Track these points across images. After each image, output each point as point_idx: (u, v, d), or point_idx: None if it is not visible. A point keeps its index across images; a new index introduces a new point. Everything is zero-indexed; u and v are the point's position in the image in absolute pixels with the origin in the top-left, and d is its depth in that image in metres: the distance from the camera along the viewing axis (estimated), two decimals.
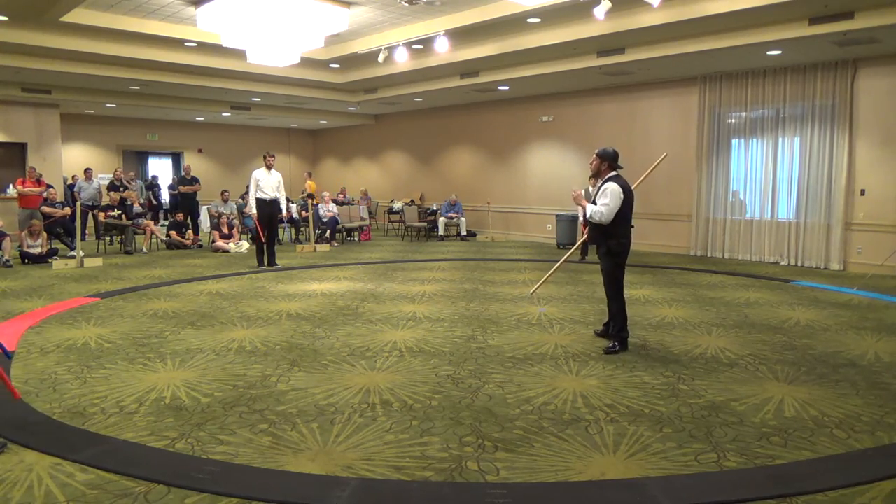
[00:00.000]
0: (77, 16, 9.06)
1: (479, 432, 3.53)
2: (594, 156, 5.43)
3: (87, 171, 13.76)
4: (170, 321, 6.23)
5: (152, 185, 17.55)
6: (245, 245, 12.29)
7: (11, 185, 12.98)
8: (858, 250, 9.83)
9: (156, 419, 3.70)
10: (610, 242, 5.28)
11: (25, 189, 11.17)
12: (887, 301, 7.47)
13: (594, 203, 5.28)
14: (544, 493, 2.90)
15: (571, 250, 6.81)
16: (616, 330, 5.33)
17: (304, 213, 13.95)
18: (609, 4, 7.60)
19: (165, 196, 17.81)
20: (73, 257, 9.97)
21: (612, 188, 5.18)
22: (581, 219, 11.09)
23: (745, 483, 2.99)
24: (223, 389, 4.22)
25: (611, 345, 5.30)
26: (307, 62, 12.00)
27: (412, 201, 16.68)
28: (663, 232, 12.26)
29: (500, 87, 13.01)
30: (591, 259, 10.97)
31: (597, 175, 5.47)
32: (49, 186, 11.65)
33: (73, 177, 15.48)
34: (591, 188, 10.83)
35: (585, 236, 5.74)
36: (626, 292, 6.09)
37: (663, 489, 2.92)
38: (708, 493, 2.92)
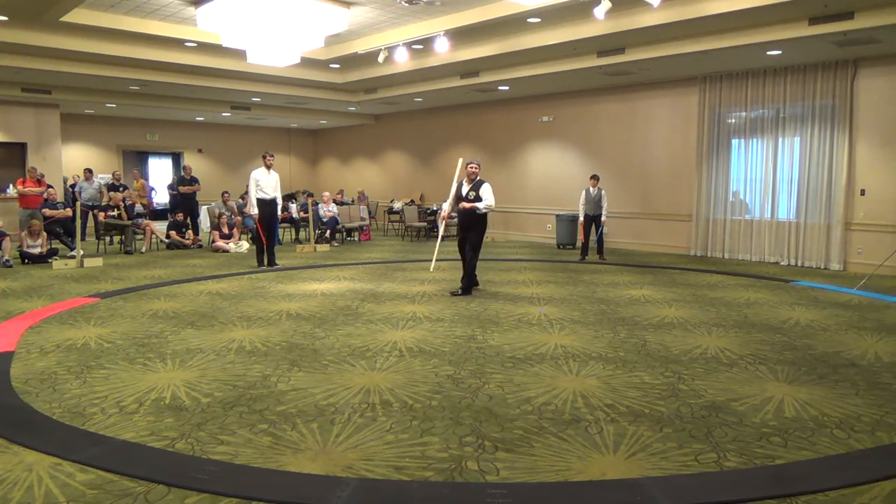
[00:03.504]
0: (77, 16, 9.06)
1: (479, 432, 3.53)
2: (476, 164, 7.69)
3: (87, 172, 13.77)
4: (170, 321, 6.23)
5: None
6: (245, 245, 12.29)
7: (12, 185, 12.98)
8: (858, 250, 9.83)
9: (156, 419, 3.70)
10: (482, 226, 7.69)
11: (26, 189, 11.17)
12: (887, 301, 7.47)
13: (478, 199, 7.59)
14: (544, 493, 2.90)
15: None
16: (468, 281, 7.68)
17: (303, 214, 13.95)
18: (609, 4, 7.60)
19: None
20: (73, 257, 9.97)
21: (490, 186, 7.63)
22: (580, 219, 11.15)
23: (745, 483, 2.99)
24: (223, 389, 4.22)
25: (458, 290, 7.66)
26: (307, 62, 11.99)
27: (412, 201, 16.69)
28: (663, 232, 12.26)
29: (500, 87, 13.01)
30: (590, 259, 10.97)
31: (473, 179, 7.65)
32: (49, 186, 11.65)
33: (74, 177, 15.44)
34: (591, 189, 10.90)
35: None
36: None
37: (663, 489, 2.92)
38: (708, 493, 2.92)
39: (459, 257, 7.97)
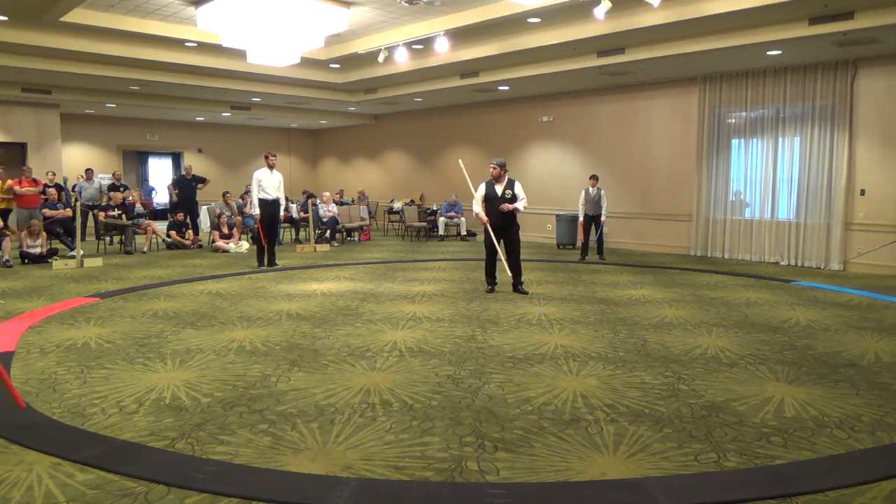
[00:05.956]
0: (77, 16, 9.05)
1: (479, 432, 3.53)
2: (496, 166, 7.57)
3: (88, 172, 13.77)
4: (170, 321, 6.22)
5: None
6: (245, 245, 12.29)
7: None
8: (858, 250, 9.83)
9: (156, 419, 3.70)
10: (517, 223, 7.69)
11: (24, 189, 11.16)
12: (887, 301, 7.47)
13: (512, 198, 7.57)
14: (544, 493, 2.90)
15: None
16: (520, 277, 7.77)
17: (303, 214, 13.95)
18: (609, 4, 7.60)
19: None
20: (73, 257, 9.97)
21: (520, 184, 7.65)
22: (580, 219, 11.15)
23: (745, 483, 2.99)
24: (223, 389, 4.22)
25: (520, 286, 7.76)
26: (307, 62, 11.99)
27: (412, 201, 16.68)
28: (663, 232, 12.26)
29: (500, 87, 13.01)
30: (590, 259, 10.97)
31: (498, 178, 7.60)
32: (48, 186, 11.64)
33: (79, 177, 15.32)
34: (591, 189, 10.91)
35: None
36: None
37: (663, 489, 2.92)
38: (708, 493, 2.92)
39: (485, 256, 7.90)
